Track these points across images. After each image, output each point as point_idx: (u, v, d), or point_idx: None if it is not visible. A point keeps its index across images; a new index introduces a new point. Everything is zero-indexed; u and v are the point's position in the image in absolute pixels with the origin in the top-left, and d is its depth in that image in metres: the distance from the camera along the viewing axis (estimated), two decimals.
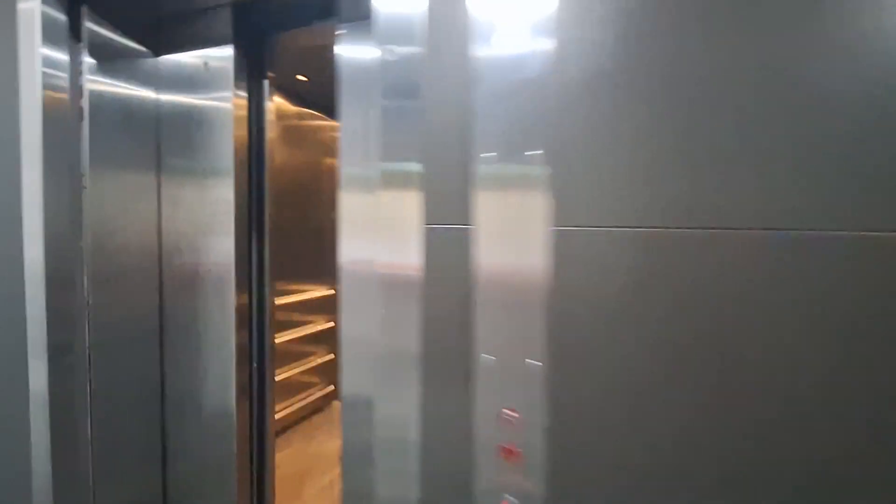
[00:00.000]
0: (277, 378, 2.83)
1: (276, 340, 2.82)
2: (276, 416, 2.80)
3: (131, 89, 1.51)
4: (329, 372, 3.28)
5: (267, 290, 1.71)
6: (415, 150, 0.83)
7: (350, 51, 1.10)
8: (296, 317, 3.00)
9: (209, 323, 1.60)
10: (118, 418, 1.54)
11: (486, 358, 0.77)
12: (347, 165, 1.06)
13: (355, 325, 1.03)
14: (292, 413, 2.93)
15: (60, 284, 1.37)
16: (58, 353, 1.36)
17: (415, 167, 0.83)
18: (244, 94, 1.52)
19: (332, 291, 3.32)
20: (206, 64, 1.50)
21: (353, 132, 1.06)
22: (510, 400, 0.76)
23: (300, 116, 2.99)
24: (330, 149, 3.26)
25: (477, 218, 0.78)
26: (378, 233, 0.87)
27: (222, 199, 1.52)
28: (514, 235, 0.74)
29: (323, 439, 2.83)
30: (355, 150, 1.05)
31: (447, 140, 0.80)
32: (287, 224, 2.90)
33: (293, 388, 2.96)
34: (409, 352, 0.84)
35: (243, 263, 1.59)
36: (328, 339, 3.27)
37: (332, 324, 3.30)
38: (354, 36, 1.09)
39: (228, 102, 1.48)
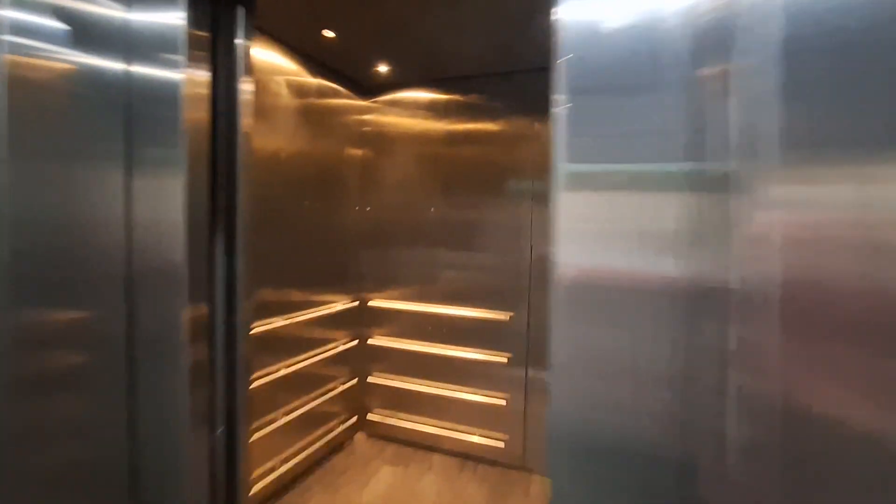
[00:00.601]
0: (291, 411, 2.25)
1: (291, 366, 2.27)
2: (291, 460, 2.21)
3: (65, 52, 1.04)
4: (351, 399, 2.72)
5: (238, 309, 1.24)
6: None
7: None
8: (316, 334, 2.44)
9: (148, 344, 1.14)
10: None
11: None
12: (574, 160, 0.81)
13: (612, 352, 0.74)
14: (310, 455, 2.36)
15: None
16: None
17: None
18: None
19: (357, 303, 2.76)
20: None
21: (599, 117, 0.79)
22: None
23: (320, 92, 2.44)
24: (356, 136, 2.71)
25: None
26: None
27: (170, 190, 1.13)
28: None
29: (350, 489, 2.24)
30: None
31: None
32: (296, 225, 2.35)
33: (309, 421, 2.39)
34: None
35: (199, 271, 1.16)
36: (350, 361, 2.71)
37: (356, 341, 2.74)
38: None
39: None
